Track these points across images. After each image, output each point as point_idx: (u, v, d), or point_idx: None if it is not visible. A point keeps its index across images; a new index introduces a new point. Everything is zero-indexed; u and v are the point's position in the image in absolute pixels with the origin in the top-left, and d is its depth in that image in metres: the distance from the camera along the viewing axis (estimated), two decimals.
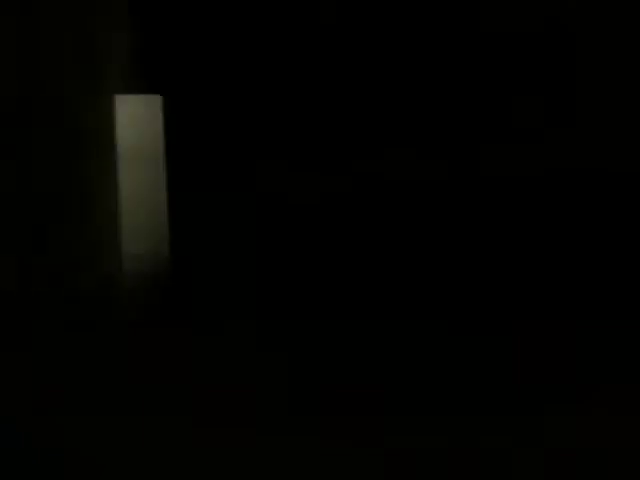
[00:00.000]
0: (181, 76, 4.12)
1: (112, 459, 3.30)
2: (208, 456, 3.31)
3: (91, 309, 3.77)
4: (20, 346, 3.68)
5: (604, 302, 4.05)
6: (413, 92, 4.14)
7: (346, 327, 4.04)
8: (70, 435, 3.44)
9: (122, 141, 4.05)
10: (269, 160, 4.17)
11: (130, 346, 3.78)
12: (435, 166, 4.14)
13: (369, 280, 4.13)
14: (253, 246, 4.18)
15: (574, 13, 4.10)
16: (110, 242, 3.88)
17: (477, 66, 4.12)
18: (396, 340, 3.99)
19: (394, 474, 3.15)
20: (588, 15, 4.10)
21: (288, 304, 4.14)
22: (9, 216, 3.70)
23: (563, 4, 4.10)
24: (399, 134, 4.15)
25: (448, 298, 4.10)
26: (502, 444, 3.31)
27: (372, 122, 4.15)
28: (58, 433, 3.44)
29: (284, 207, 4.16)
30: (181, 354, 3.90)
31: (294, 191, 4.16)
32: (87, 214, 3.83)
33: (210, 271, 4.14)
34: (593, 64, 4.10)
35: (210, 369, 3.86)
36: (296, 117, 4.17)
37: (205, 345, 3.98)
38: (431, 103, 4.14)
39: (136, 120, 4.07)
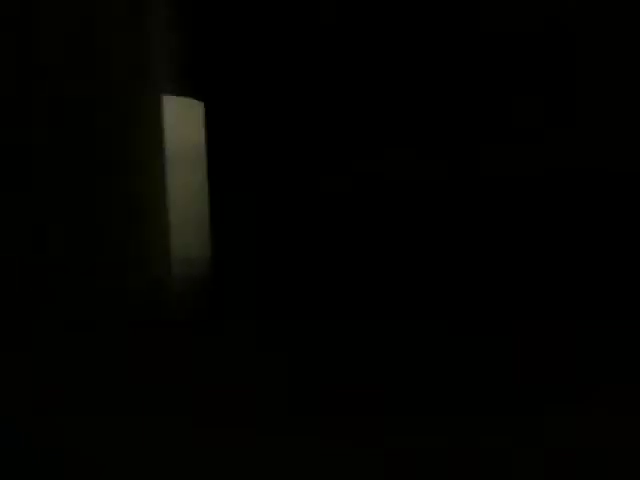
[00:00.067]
0: (218, 77, 4.13)
1: (112, 459, 3.30)
2: (208, 456, 3.31)
3: (140, 311, 3.78)
4: (20, 346, 3.68)
5: (604, 302, 4.05)
6: (413, 92, 4.14)
7: (346, 327, 4.04)
8: (70, 435, 3.44)
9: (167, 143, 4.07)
10: (272, 160, 4.17)
11: (167, 347, 3.78)
12: (435, 166, 4.14)
13: (369, 280, 4.13)
14: (255, 245, 4.18)
15: (574, 13, 4.10)
16: (159, 245, 3.89)
17: (477, 66, 4.12)
18: (396, 340, 3.99)
19: (394, 474, 3.15)
20: (588, 15, 4.10)
21: (288, 304, 4.14)
22: (58, 216, 3.71)
23: (563, 4, 4.10)
24: (399, 134, 4.15)
25: (448, 298, 4.10)
26: (502, 444, 3.31)
27: (372, 122, 4.15)
28: (58, 433, 3.44)
29: (285, 207, 4.16)
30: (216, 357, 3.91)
31: (294, 191, 4.17)
32: (136, 216, 3.84)
33: (243, 271, 4.14)
34: (593, 64, 4.10)
35: (221, 369, 3.86)
36: (296, 117, 4.17)
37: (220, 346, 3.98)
38: (431, 103, 4.14)
39: (176, 121, 4.08)
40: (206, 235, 4.13)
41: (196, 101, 4.15)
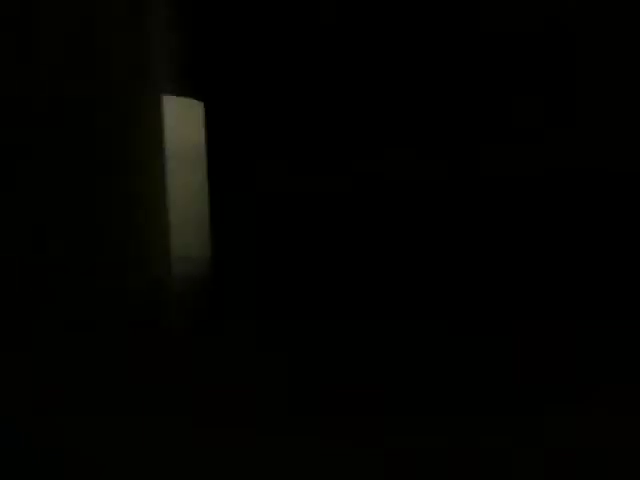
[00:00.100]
0: (218, 77, 4.13)
1: (112, 459, 3.30)
2: (208, 456, 3.31)
3: (140, 311, 3.78)
4: (20, 346, 3.68)
5: (604, 302, 4.05)
6: (413, 92, 4.14)
7: (346, 327, 4.04)
8: (70, 435, 3.44)
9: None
10: (272, 160, 4.17)
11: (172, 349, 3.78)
12: (435, 166, 4.14)
13: (369, 280, 4.13)
14: (258, 246, 4.18)
15: (574, 13, 4.10)
16: (159, 244, 3.89)
17: (477, 66, 4.12)
18: (396, 340, 3.99)
19: (394, 474, 3.15)
20: (588, 15, 4.10)
21: (288, 304, 4.14)
22: (58, 216, 3.71)
23: (563, 4, 4.10)
24: (399, 134, 4.15)
25: (448, 298, 4.10)
26: (502, 444, 3.31)
27: (372, 122, 4.15)
28: (58, 433, 3.44)
29: (285, 207, 4.16)
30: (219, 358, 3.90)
31: (294, 191, 4.16)
32: (136, 215, 3.84)
33: (241, 271, 4.14)
34: (593, 64, 4.10)
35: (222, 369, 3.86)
36: (296, 117, 4.17)
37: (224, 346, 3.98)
38: (431, 103, 4.14)
39: (176, 121, 4.08)
40: (206, 235, 4.13)
41: (196, 101, 4.15)
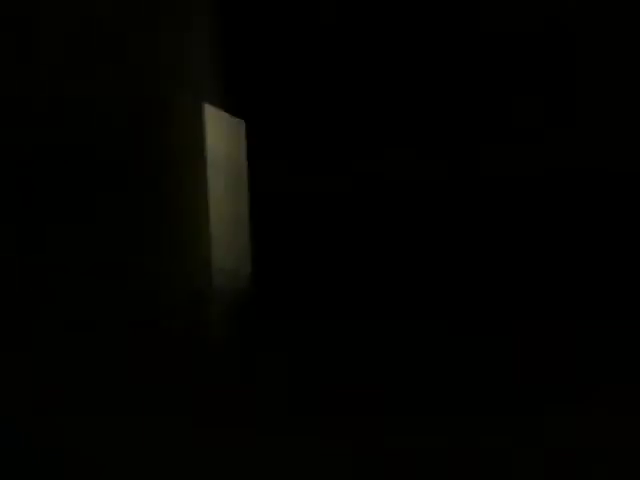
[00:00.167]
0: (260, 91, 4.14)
1: (112, 459, 3.30)
2: (208, 456, 3.31)
3: (182, 323, 3.80)
4: (20, 346, 3.69)
5: (604, 302, 4.05)
6: (413, 92, 4.14)
7: (346, 327, 4.04)
8: (70, 435, 3.44)
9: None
10: (271, 160, 4.18)
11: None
12: (435, 166, 4.14)
13: (369, 280, 4.13)
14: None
15: (574, 13, 4.10)
16: (200, 257, 3.91)
17: (477, 66, 4.12)
18: (396, 340, 3.99)
19: (394, 474, 3.15)
20: (588, 15, 4.10)
21: (287, 304, 4.14)
22: (106, 231, 3.73)
23: (563, 4, 4.10)
24: (399, 134, 4.15)
25: (448, 298, 4.10)
26: (502, 444, 3.31)
27: (372, 122, 4.15)
28: (58, 433, 3.44)
29: (285, 207, 4.16)
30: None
31: (294, 191, 4.17)
32: (179, 226, 3.87)
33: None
34: (593, 64, 4.10)
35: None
36: (296, 117, 4.17)
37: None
38: (431, 103, 4.14)
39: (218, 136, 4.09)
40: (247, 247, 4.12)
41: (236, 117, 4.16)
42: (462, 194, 4.14)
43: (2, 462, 3.30)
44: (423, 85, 4.14)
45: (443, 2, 4.11)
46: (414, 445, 3.34)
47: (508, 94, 4.12)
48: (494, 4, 4.10)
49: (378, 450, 3.32)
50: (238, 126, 4.13)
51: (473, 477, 3.11)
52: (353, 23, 4.14)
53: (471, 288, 4.11)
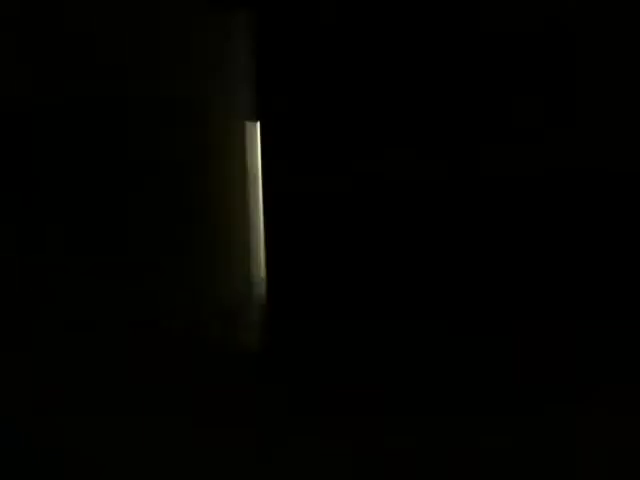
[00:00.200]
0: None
1: (112, 459, 3.30)
2: (208, 456, 3.31)
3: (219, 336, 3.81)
4: (20, 346, 3.68)
5: (604, 302, 4.05)
6: (413, 92, 4.14)
7: (346, 327, 4.04)
8: (70, 435, 3.43)
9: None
10: (271, 160, 4.18)
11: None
12: (435, 166, 4.14)
13: (369, 280, 4.13)
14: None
15: (574, 13, 4.10)
16: (240, 268, 3.93)
17: (477, 66, 4.12)
18: (396, 340, 3.99)
19: (394, 474, 3.15)
20: (588, 15, 4.10)
21: (287, 304, 4.14)
22: (143, 236, 3.75)
23: (563, 4, 4.10)
24: (399, 134, 4.15)
25: (448, 298, 4.10)
26: (502, 444, 3.31)
27: (372, 122, 4.15)
28: (58, 433, 3.44)
29: (284, 207, 4.16)
30: None
31: (294, 191, 4.17)
32: (220, 237, 3.88)
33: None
34: (593, 64, 4.10)
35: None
36: (295, 118, 4.17)
37: None
38: (431, 103, 4.14)
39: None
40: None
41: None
42: (462, 194, 4.14)
43: (2, 462, 3.30)
44: (423, 85, 4.13)
45: (443, 2, 4.11)
46: (414, 445, 3.34)
47: (508, 94, 4.12)
48: (494, 4, 4.10)
49: (378, 450, 3.32)
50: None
51: (473, 477, 3.11)
52: (353, 23, 4.13)
53: (471, 288, 4.11)
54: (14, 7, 3.78)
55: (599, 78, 4.11)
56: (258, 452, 3.32)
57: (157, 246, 3.85)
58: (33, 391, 3.59)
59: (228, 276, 3.97)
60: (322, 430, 3.46)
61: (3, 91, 3.78)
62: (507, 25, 4.11)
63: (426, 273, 4.13)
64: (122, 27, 3.84)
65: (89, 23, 3.81)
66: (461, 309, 4.08)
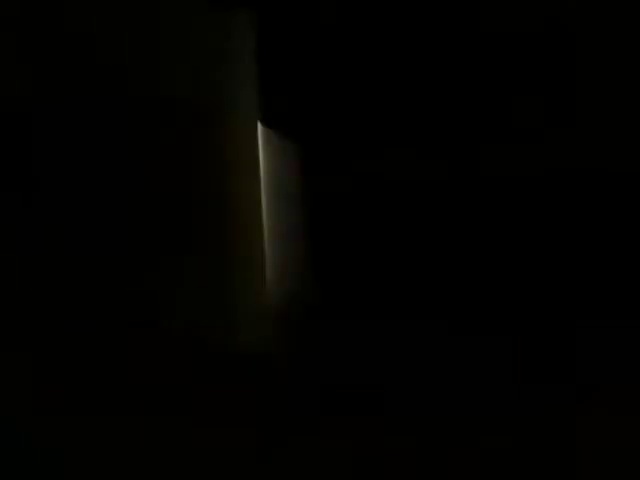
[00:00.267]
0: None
1: (112, 459, 3.30)
2: (208, 456, 3.31)
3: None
4: (20, 346, 3.68)
5: (604, 302, 4.05)
6: (413, 92, 4.14)
7: (345, 327, 4.04)
8: (70, 435, 3.43)
9: None
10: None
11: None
12: (435, 166, 4.14)
13: (368, 280, 4.13)
14: None
15: (574, 13, 4.10)
16: (241, 268, 3.93)
17: (477, 66, 4.12)
18: (396, 340, 3.99)
19: (394, 474, 3.15)
20: (588, 15, 4.10)
21: (287, 304, 4.14)
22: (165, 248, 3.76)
23: (563, 4, 4.10)
24: (399, 134, 4.15)
25: (448, 298, 4.10)
26: (502, 444, 3.30)
27: (372, 122, 4.15)
28: (58, 433, 3.44)
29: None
30: None
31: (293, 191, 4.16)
32: (232, 251, 3.90)
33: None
34: (593, 64, 4.10)
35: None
36: (295, 117, 4.17)
37: None
38: (431, 103, 4.14)
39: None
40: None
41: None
42: (462, 194, 4.14)
43: (2, 462, 3.30)
44: (423, 85, 4.13)
45: (443, 2, 4.11)
46: (414, 445, 3.34)
47: (508, 94, 4.12)
48: (494, 4, 4.09)
49: (378, 450, 3.32)
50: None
51: (473, 477, 3.11)
52: (353, 23, 4.13)
53: (471, 288, 4.11)
54: (14, 7, 3.78)
55: (599, 78, 4.11)
56: (258, 452, 3.32)
57: (157, 246, 3.85)
58: (33, 391, 3.58)
59: (228, 276, 3.96)
60: (322, 430, 3.45)
61: (3, 91, 3.78)
62: (507, 25, 4.11)
63: (426, 273, 4.13)
64: (122, 27, 3.83)
65: (89, 23, 3.81)
66: (461, 309, 4.08)
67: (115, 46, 3.82)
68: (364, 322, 4.04)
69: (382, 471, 3.17)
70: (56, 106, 3.81)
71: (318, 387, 3.78)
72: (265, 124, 4.14)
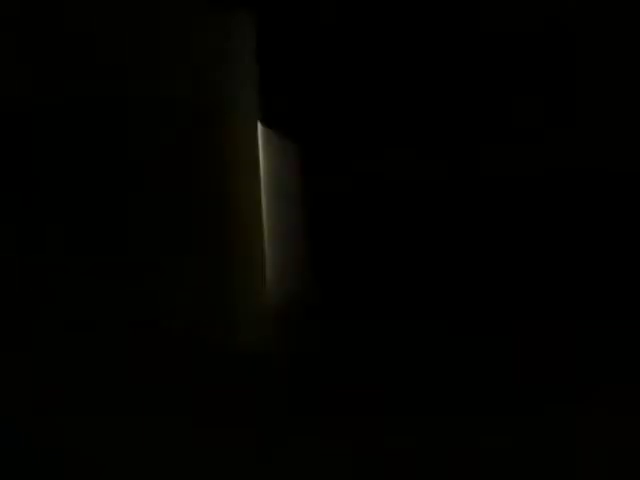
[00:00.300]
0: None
1: (112, 459, 3.30)
2: (208, 456, 3.31)
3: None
4: (20, 346, 3.68)
5: (604, 302, 4.05)
6: (413, 92, 4.14)
7: (345, 327, 4.04)
8: (70, 435, 3.43)
9: None
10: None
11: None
12: (435, 166, 4.14)
13: (368, 280, 4.13)
14: None
15: (574, 13, 4.10)
16: (241, 268, 3.94)
17: (477, 66, 4.12)
18: (396, 340, 3.99)
19: (394, 474, 3.15)
20: (588, 15, 4.10)
21: (287, 304, 4.14)
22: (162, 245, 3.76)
23: (563, 4, 4.10)
24: (399, 134, 4.15)
25: (448, 298, 4.10)
26: (502, 444, 3.30)
27: (372, 122, 4.15)
28: (58, 433, 3.44)
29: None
30: None
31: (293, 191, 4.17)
32: (233, 247, 3.89)
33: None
34: (593, 64, 4.10)
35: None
36: (295, 117, 4.17)
37: None
38: (431, 103, 4.14)
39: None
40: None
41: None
42: (462, 194, 4.14)
43: (2, 462, 3.30)
44: (423, 85, 4.13)
45: (443, 2, 4.11)
46: (414, 445, 3.34)
47: (508, 94, 4.12)
48: (494, 4, 4.10)
49: (378, 450, 3.32)
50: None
51: (473, 477, 3.11)
52: (353, 23, 4.13)
53: (471, 288, 4.11)
54: (14, 7, 3.78)
55: (599, 78, 4.11)
56: (258, 452, 3.32)
57: (157, 246, 3.85)
58: (33, 391, 3.59)
59: (228, 276, 3.97)
60: (322, 430, 3.46)
61: (3, 91, 3.78)
62: (507, 25, 4.11)
63: (426, 273, 4.13)
64: (122, 27, 3.84)
65: (89, 23, 3.81)
66: (461, 309, 4.08)
67: (115, 46, 3.82)
68: (364, 322, 4.04)
69: (382, 471, 3.17)
70: (56, 106, 3.81)
71: (318, 387, 3.79)
72: (265, 124, 4.14)
